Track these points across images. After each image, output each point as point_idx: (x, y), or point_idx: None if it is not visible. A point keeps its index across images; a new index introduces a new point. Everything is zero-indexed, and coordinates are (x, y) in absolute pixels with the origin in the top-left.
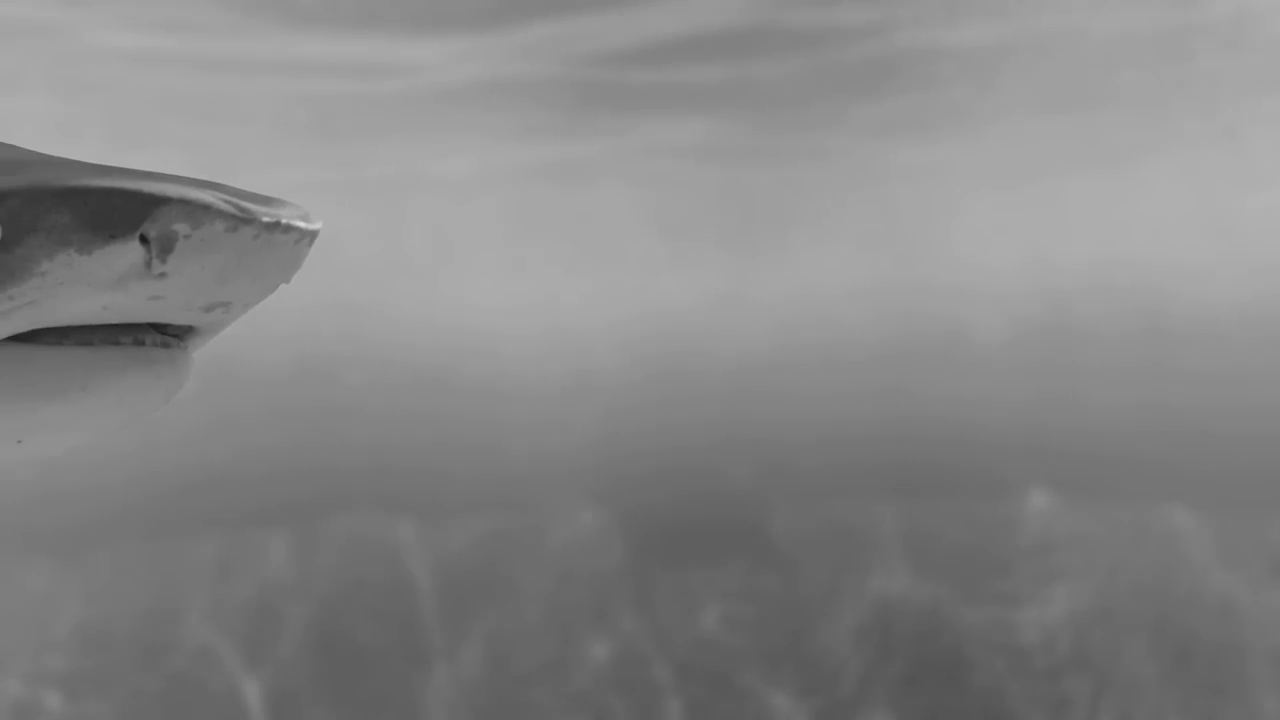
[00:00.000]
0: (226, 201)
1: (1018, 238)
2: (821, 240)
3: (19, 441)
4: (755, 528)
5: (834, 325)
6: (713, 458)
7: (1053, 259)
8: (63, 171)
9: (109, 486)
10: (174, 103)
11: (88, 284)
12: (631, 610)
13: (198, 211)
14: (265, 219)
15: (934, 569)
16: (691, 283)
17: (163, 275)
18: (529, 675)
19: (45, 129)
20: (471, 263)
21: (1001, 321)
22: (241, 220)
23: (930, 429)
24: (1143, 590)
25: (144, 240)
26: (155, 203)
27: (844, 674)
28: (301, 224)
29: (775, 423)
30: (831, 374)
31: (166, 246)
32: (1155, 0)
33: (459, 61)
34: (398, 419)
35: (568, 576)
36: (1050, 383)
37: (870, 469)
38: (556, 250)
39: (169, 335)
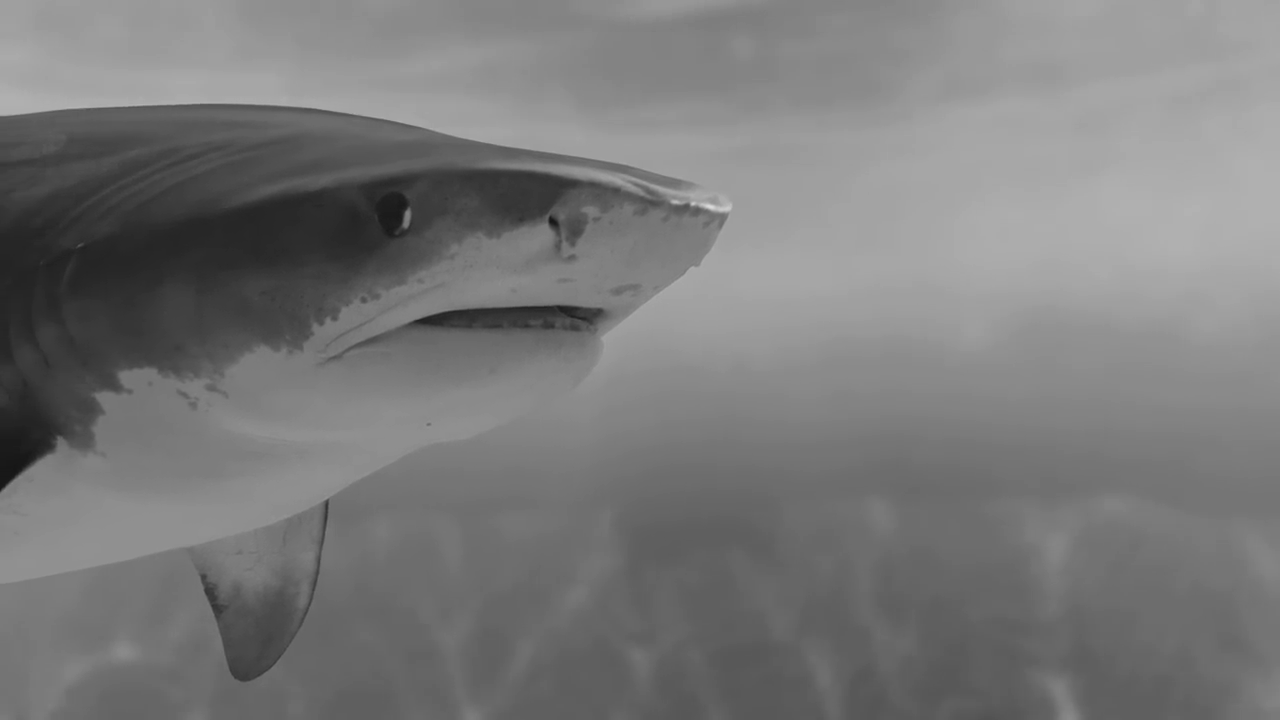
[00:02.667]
0: (635, 184)
1: None
2: None
3: (428, 424)
4: None
5: None
6: None
7: None
8: (471, 154)
9: None
10: None
11: (497, 267)
12: None
13: (607, 194)
14: (674, 201)
15: None
16: None
17: (571, 258)
18: None
19: None
20: None
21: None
22: (650, 203)
23: None
24: None
25: (553, 223)
26: (565, 185)
27: None
28: (711, 207)
29: None
30: None
31: (576, 229)
32: None
33: None
34: None
35: None
36: None
37: None
38: None
39: (577, 318)
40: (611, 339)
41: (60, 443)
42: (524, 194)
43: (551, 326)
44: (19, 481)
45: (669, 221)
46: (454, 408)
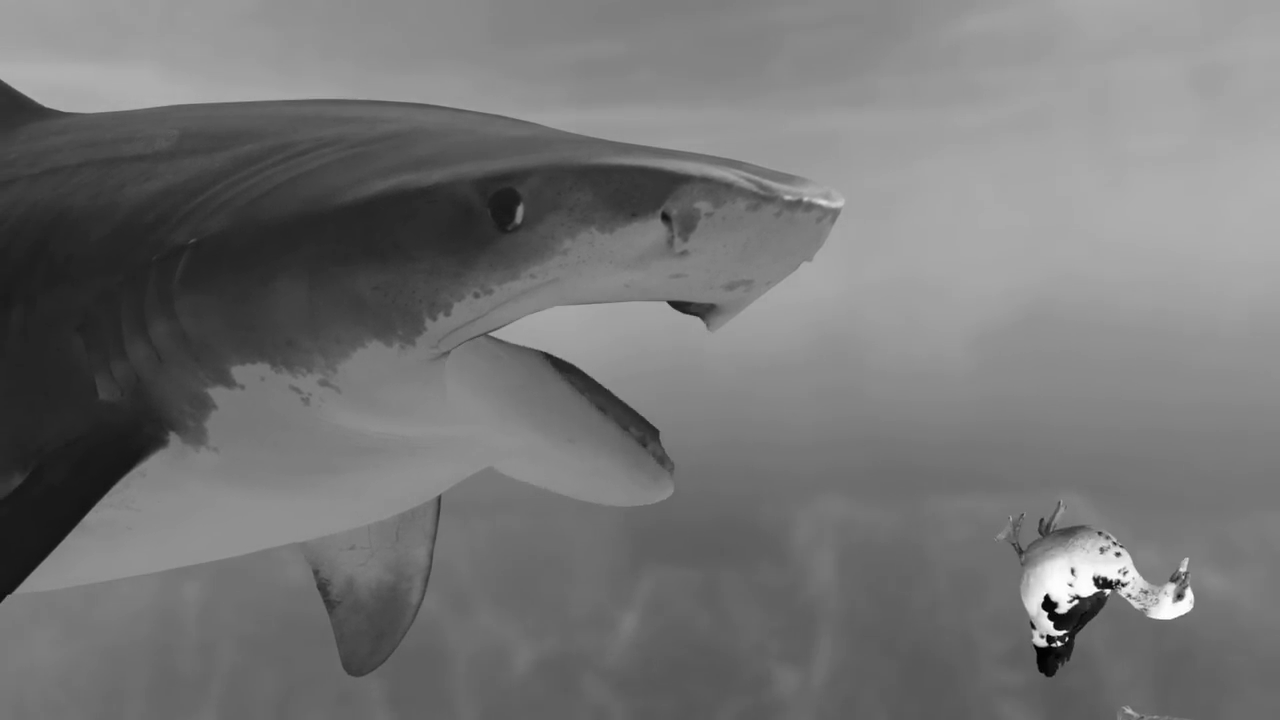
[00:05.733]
0: (748, 180)
1: None
2: None
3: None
4: None
5: None
6: None
7: None
8: (584, 150)
9: None
10: None
11: (610, 262)
12: None
13: (719, 190)
14: (787, 197)
15: None
16: None
17: (684, 254)
18: None
19: None
20: None
21: None
22: (763, 199)
23: None
24: None
25: (665, 218)
26: (677, 181)
27: None
28: (824, 202)
29: None
30: None
31: (688, 225)
32: None
33: None
34: None
35: None
36: None
37: None
38: None
39: (690, 313)
40: (614, 339)
41: (173, 438)
42: (637, 189)
43: (645, 446)
44: (132, 476)
45: (781, 217)
46: (521, 446)
